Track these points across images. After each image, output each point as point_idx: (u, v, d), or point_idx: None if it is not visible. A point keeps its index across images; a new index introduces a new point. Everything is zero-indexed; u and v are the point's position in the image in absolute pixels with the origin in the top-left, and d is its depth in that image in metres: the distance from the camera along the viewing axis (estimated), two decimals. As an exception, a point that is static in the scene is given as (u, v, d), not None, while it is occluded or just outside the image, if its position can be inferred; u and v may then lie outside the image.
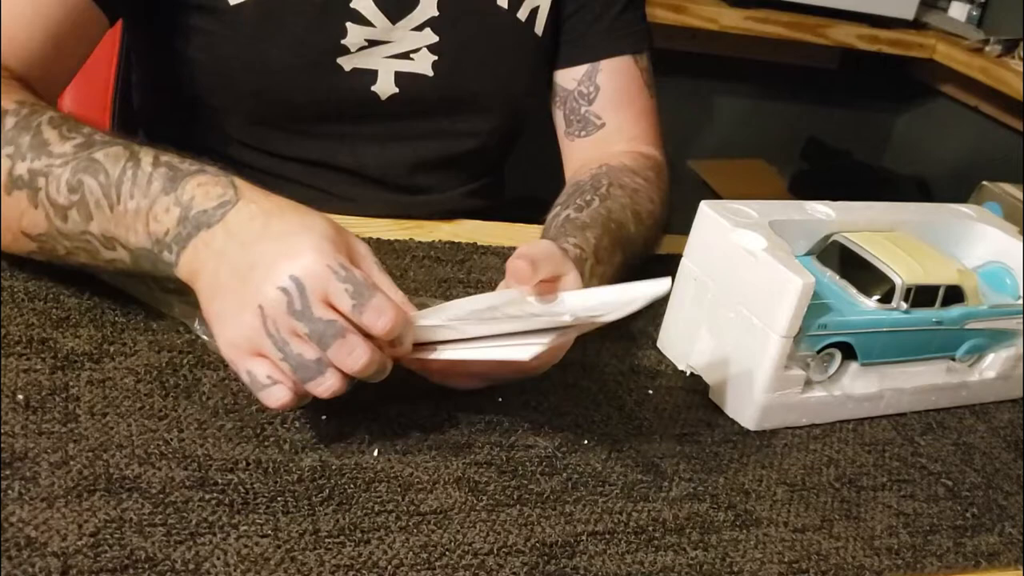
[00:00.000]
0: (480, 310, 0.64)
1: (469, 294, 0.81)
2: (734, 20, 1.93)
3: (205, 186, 0.62)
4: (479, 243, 0.90)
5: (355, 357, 0.58)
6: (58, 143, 0.64)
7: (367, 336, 0.58)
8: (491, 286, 0.84)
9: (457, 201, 0.99)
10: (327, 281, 0.57)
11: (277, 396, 0.59)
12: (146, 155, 0.64)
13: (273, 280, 0.57)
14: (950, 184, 2.15)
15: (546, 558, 0.58)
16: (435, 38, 0.90)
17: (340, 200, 0.92)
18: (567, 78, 0.99)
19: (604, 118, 0.98)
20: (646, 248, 0.88)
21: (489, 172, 1.04)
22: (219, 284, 0.60)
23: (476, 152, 0.99)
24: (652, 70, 1.01)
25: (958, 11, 2.22)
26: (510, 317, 0.63)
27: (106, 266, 0.66)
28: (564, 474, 0.65)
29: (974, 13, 2.21)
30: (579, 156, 0.98)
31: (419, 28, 0.89)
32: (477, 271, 0.86)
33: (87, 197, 0.63)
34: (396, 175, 0.96)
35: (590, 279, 0.74)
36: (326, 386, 0.58)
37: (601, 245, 0.79)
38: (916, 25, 2.11)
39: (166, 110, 0.97)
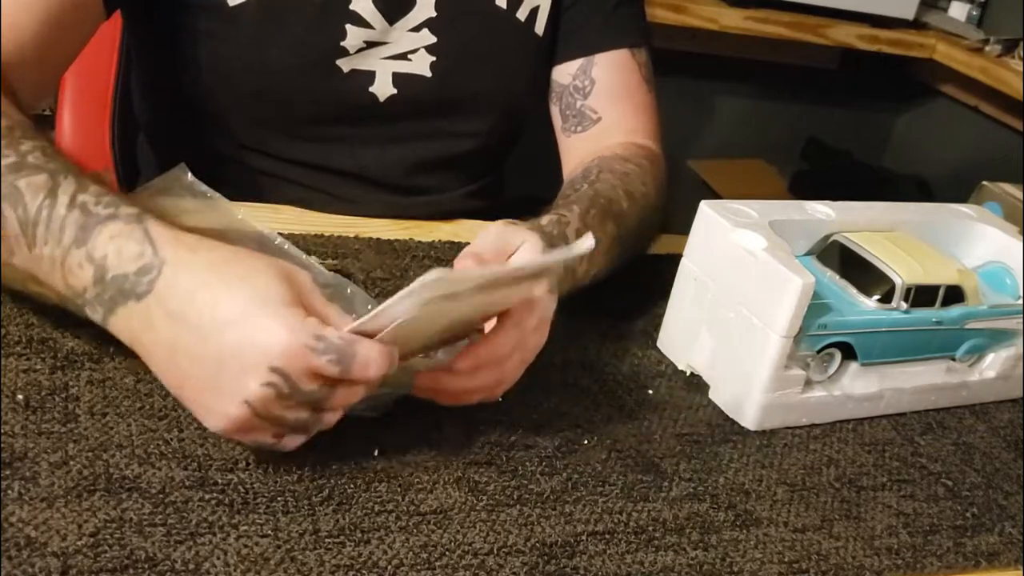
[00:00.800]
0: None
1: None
2: (734, 20, 1.93)
3: (117, 240, 0.57)
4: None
5: (352, 396, 0.58)
6: None
7: None
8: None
9: (457, 202, 0.99)
10: (308, 360, 0.54)
11: (291, 445, 0.59)
12: (64, 191, 0.59)
13: (254, 377, 0.54)
14: (950, 184, 2.15)
15: (546, 558, 0.58)
16: (433, 39, 0.90)
17: (340, 201, 0.92)
18: (563, 73, 0.98)
19: (600, 112, 0.97)
20: (641, 228, 0.87)
21: (488, 172, 1.04)
22: (179, 370, 0.56)
23: (475, 153, 0.99)
24: (651, 66, 1.00)
25: (958, 11, 2.22)
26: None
27: (37, 294, 0.63)
28: (564, 474, 0.65)
29: (974, 13, 2.21)
30: (576, 152, 0.98)
31: (416, 29, 0.89)
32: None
33: (8, 229, 0.59)
34: (395, 176, 0.96)
35: (574, 238, 0.74)
36: (331, 423, 0.59)
37: (588, 214, 0.79)
38: (916, 25, 2.11)
39: (166, 110, 0.97)
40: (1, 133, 0.61)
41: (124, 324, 0.58)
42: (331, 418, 0.58)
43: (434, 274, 0.54)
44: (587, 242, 0.63)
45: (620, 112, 0.98)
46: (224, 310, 0.55)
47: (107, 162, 1.11)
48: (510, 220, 0.72)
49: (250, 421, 0.56)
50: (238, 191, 0.82)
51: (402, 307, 0.56)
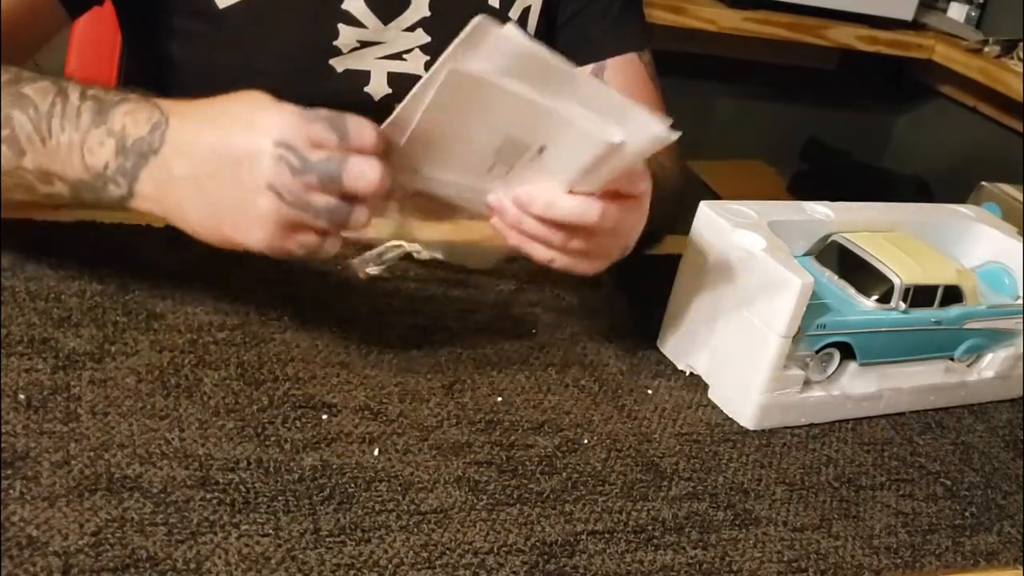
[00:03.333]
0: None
1: (469, 295, 0.82)
2: (733, 21, 1.93)
3: (132, 114, 0.62)
4: (479, 243, 0.90)
5: (368, 176, 0.60)
6: None
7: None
8: (492, 284, 0.84)
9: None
10: (304, 127, 0.60)
11: (330, 248, 0.63)
12: (73, 89, 0.64)
13: (264, 157, 0.59)
14: (949, 184, 2.15)
15: (546, 557, 0.58)
16: (427, 38, 0.90)
17: None
18: None
19: None
20: (668, 196, 0.87)
21: None
22: (209, 201, 0.61)
23: None
24: (655, 64, 1.01)
25: (957, 12, 2.22)
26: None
27: (46, 200, 0.66)
28: (564, 474, 0.65)
29: (973, 14, 2.21)
30: None
31: (411, 29, 0.90)
32: (478, 271, 0.86)
33: (18, 132, 0.63)
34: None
35: None
36: (361, 219, 0.62)
37: None
38: (915, 26, 2.11)
39: None
40: None
41: (149, 187, 0.62)
42: (361, 212, 0.61)
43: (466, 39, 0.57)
44: (663, 123, 0.61)
45: None
46: (226, 121, 0.61)
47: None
48: None
49: (283, 212, 0.60)
50: None
51: (427, 91, 0.60)
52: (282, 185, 0.59)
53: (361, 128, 0.61)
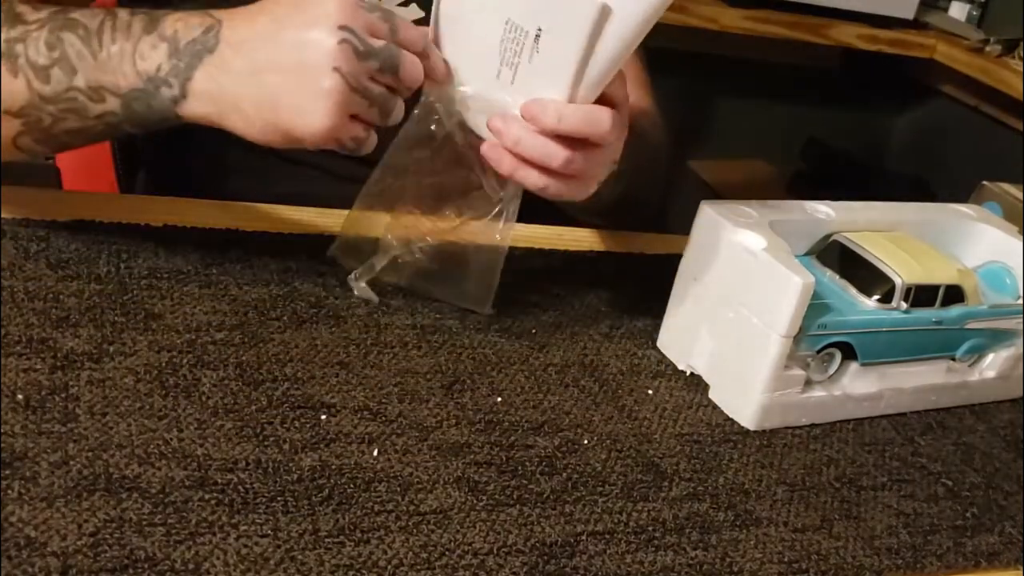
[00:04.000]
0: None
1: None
2: (734, 20, 1.93)
3: (183, 19, 0.64)
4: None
5: (417, 69, 0.65)
6: (31, 12, 0.66)
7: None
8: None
9: None
10: (362, 15, 0.63)
11: (370, 146, 0.66)
12: (121, 10, 0.66)
13: (328, 40, 0.61)
14: (951, 183, 2.15)
15: (546, 558, 0.58)
16: (420, 13, 0.91)
17: (338, 179, 0.92)
18: None
19: None
20: (656, 146, 0.89)
21: None
22: (268, 87, 0.63)
23: None
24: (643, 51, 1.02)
25: (958, 11, 2.22)
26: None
27: (96, 123, 0.66)
28: (564, 474, 0.65)
29: (974, 13, 2.21)
30: None
31: (405, 4, 0.90)
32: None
33: (68, 51, 0.64)
34: None
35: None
36: (397, 111, 0.66)
37: None
38: (916, 25, 2.11)
39: None
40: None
41: (204, 85, 0.64)
42: (396, 104, 0.65)
43: None
44: None
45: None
46: (281, 11, 0.63)
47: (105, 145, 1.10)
48: None
49: (346, 94, 0.62)
50: (234, 164, 0.82)
51: None
52: (347, 67, 0.62)
53: (408, 24, 0.65)
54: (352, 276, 0.77)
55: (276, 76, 0.62)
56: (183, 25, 0.64)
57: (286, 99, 0.62)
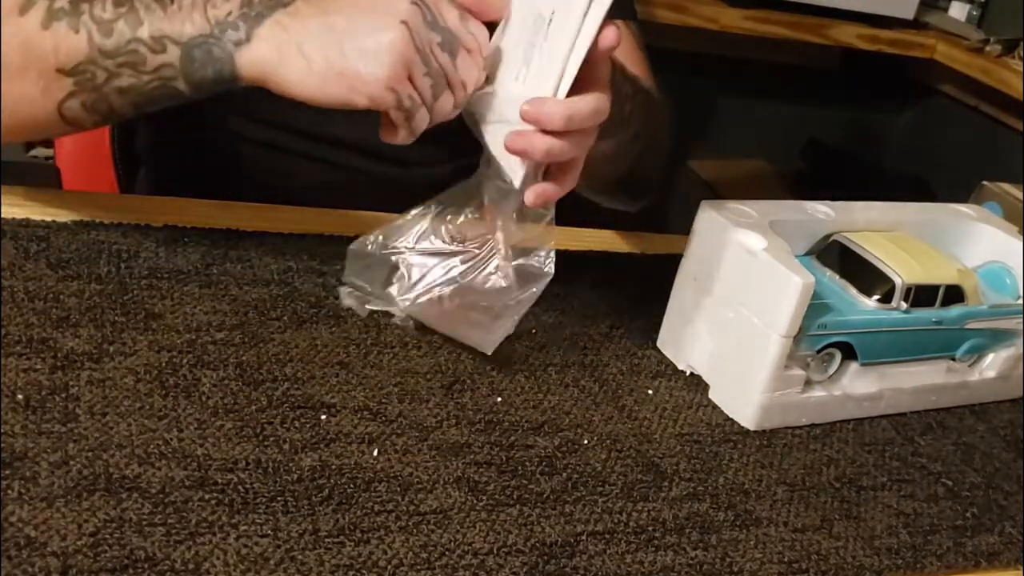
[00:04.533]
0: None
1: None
2: (734, 20, 1.93)
3: None
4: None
5: (472, 67, 0.66)
6: None
7: None
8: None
9: (450, 175, 0.99)
10: None
11: (420, 123, 0.67)
12: None
13: (402, 1, 0.63)
14: (950, 184, 2.15)
15: (546, 558, 0.58)
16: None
17: (338, 171, 0.92)
18: None
19: None
20: (658, 120, 0.90)
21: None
22: (336, 33, 0.64)
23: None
24: (641, 34, 1.03)
25: (958, 11, 2.22)
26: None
27: (150, 79, 0.67)
28: (564, 474, 0.65)
29: (974, 13, 2.21)
30: None
31: None
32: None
33: (136, 5, 0.65)
34: (394, 146, 0.96)
35: None
36: (446, 104, 0.67)
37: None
38: (916, 25, 2.11)
39: None
40: None
41: (271, 28, 0.65)
42: (448, 99, 0.66)
43: None
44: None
45: None
46: None
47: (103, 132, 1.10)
48: None
49: (410, 48, 0.63)
50: (234, 162, 0.82)
51: None
52: (415, 26, 0.63)
53: (480, 26, 0.67)
54: (344, 290, 0.76)
55: (346, 21, 0.64)
56: None
57: (352, 42, 0.63)
